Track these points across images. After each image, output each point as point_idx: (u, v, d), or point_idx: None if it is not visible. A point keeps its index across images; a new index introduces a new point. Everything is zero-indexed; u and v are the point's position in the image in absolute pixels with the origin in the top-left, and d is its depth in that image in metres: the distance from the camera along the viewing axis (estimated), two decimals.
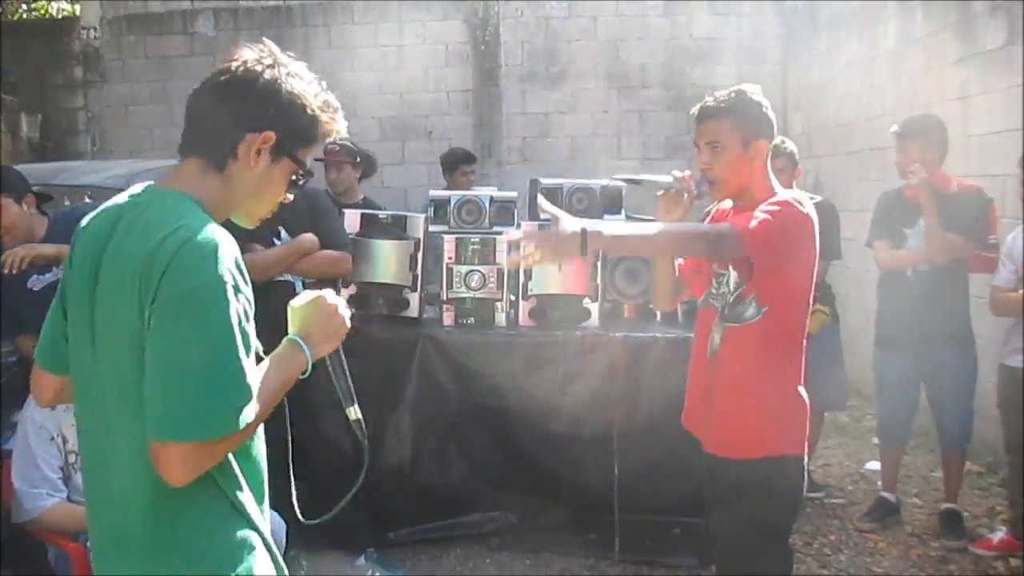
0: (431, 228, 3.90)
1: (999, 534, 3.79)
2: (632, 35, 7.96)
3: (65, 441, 2.84)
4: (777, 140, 4.63)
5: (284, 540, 2.72)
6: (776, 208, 2.15)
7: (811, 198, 4.44)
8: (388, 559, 3.57)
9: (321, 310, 1.56)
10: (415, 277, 3.84)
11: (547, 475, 3.76)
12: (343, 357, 1.65)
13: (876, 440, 5.33)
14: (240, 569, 1.41)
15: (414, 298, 3.86)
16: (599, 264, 3.81)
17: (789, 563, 2.36)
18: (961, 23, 5.03)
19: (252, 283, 1.42)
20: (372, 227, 3.86)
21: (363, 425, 1.73)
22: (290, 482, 3.83)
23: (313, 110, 1.51)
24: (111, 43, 8.38)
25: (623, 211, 3.94)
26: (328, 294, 1.58)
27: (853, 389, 5.72)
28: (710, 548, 3.58)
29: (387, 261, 3.79)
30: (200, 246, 1.33)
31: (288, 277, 3.34)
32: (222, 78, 1.48)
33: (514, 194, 3.99)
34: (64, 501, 2.82)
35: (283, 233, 3.33)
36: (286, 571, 1.56)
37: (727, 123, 2.22)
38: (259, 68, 1.48)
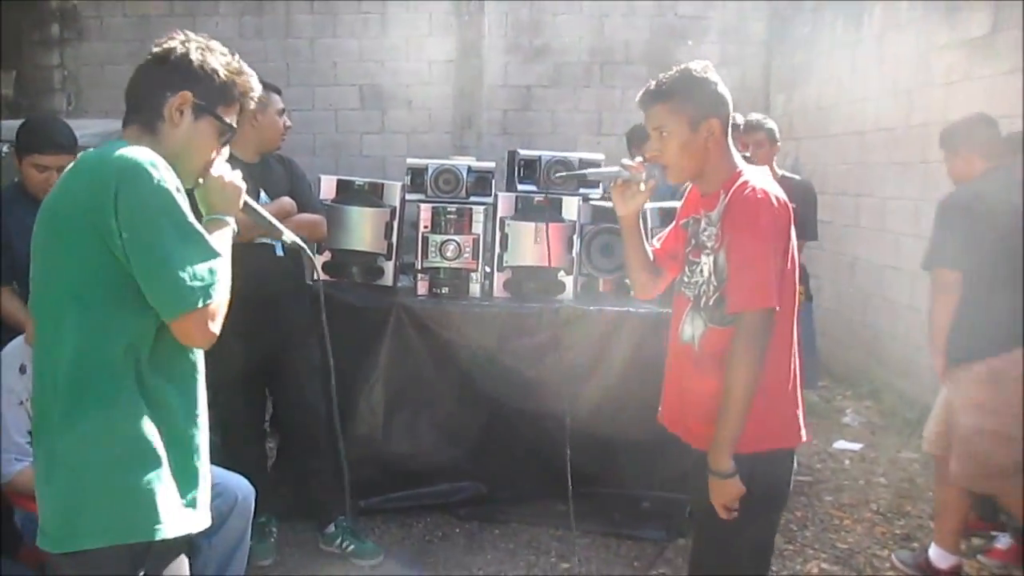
0: (408, 197, 3.87)
1: None
2: (617, 11, 7.91)
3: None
4: (759, 116, 4.65)
5: (252, 506, 2.70)
6: (756, 225, 2.01)
7: (790, 177, 4.50)
8: (359, 528, 3.56)
9: (213, 185, 1.83)
10: (390, 245, 3.81)
11: (518, 446, 3.77)
12: (254, 204, 1.98)
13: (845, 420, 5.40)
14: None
15: (389, 267, 3.84)
16: (576, 237, 3.80)
17: (766, 561, 2.29)
18: (947, 9, 5.03)
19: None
20: (348, 194, 3.83)
21: (300, 245, 2.10)
22: (263, 448, 3.83)
23: (226, 73, 1.79)
24: (89, 1, 8.22)
25: (601, 185, 3.93)
26: (215, 168, 1.83)
27: (824, 370, 5.79)
28: (677, 522, 3.65)
29: (362, 229, 3.75)
30: (138, 163, 1.59)
31: (267, 240, 3.31)
32: (147, 59, 1.79)
33: (492, 164, 3.95)
34: (32, 465, 2.78)
35: (263, 195, 3.31)
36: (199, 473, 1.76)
37: (669, 107, 2.09)
38: (174, 45, 1.78)
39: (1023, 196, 3.13)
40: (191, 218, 1.63)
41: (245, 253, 3.20)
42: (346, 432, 3.75)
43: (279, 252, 3.36)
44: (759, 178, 2.10)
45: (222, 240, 1.77)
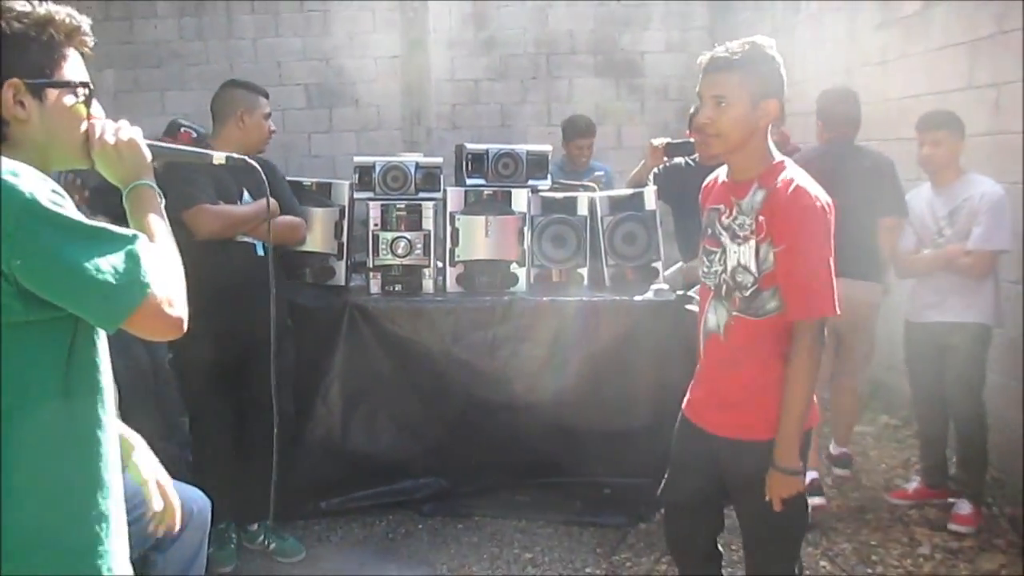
0: (356, 195, 3.85)
1: (913, 484, 3.94)
2: (560, 1, 7.93)
3: None
4: None
5: (208, 518, 2.68)
6: (817, 233, 2.06)
7: None
8: (284, 528, 3.55)
9: (108, 154, 1.57)
10: (341, 245, 3.80)
11: (477, 440, 3.78)
12: (160, 144, 1.75)
13: None
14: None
15: (341, 266, 3.83)
16: (526, 229, 3.81)
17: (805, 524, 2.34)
18: None
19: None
20: (296, 195, 3.79)
21: (237, 158, 1.93)
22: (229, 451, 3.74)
23: (35, 28, 1.45)
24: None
25: (549, 176, 3.95)
26: (99, 133, 1.56)
27: None
28: (638, 507, 3.69)
29: (312, 229, 3.72)
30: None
31: (248, 239, 3.28)
32: None
33: (439, 160, 3.95)
34: None
35: (246, 195, 3.28)
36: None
37: (736, 78, 2.06)
38: None
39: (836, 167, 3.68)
40: (79, 216, 1.38)
41: (225, 251, 3.21)
42: (304, 433, 3.74)
43: (259, 252, 3.33)
44: (805, 178, 2.11)
45: (148, 213, 1.57)
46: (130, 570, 1.55)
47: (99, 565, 1.46)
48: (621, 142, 7.72)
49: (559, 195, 3.98)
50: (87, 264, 1.34)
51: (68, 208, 1.37)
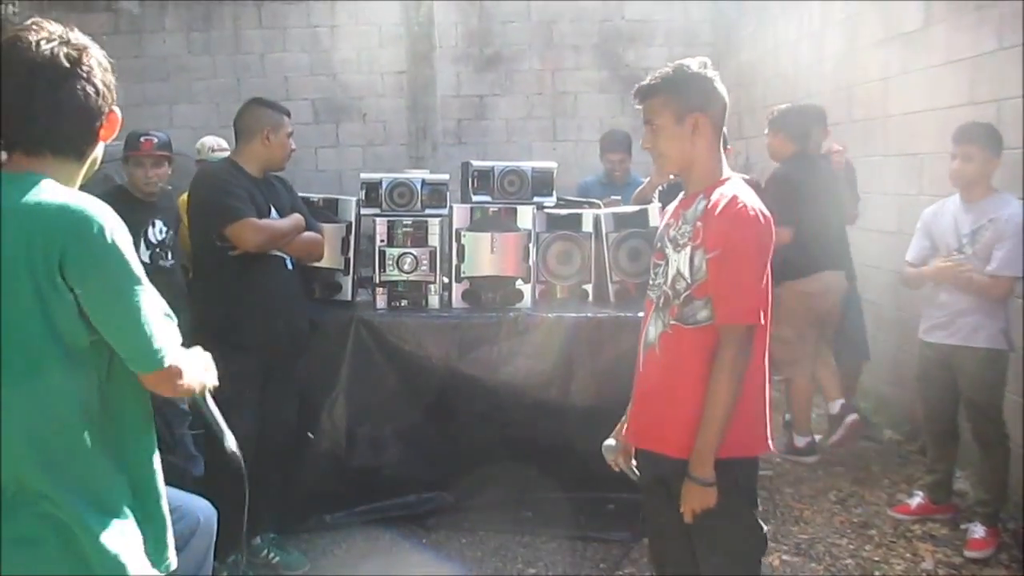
0: (363, 211, 3.89)
1: (917, 499, 3.94)
2: (565, 17, 7.99)
3: None
4: None
5: (215, 527, 2.70)
6: (748, 243, 2.08)
7: (744, 177, 4.61)
8: (288, 543, 3.55)
9: (202, 357, 1.85)
10: (347, 260, 3.84)
11: (482, 455, 3.79)
12: (209, 402, 1.96)
13: None
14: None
15: (347, 281, 3.87)
16: (531, 246, 3.84)
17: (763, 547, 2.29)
18: (882, 5, 5.17)
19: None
20: None
21: (239, 457, 2.10)
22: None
23: (109, 67, 1.68)
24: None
25: (554, 193, 3.98)
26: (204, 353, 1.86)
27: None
28: (642, 523, 3.70)
29: None
30: (90, 219, 1.51)
31: (279, 253, 3.34)
32: (51, 71, 1.55)
33: (446, 176, 3.99)
34: None
35: (273, 212, 3.34)
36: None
37: (658, 101, 2.16)
38: (77, 53, 1.59)
39: (819, 176, 4.45)
40: (136, 259, 1.59)
41: (259, 264, 3.25)
42: (309, 447, 3.76)
43: (289, 266, 3.38)
44: (745, 191, 2.15)
45: None
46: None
47: (161, 504, 1.79)
48: None
49: (564, 212, 4.01)
50: (142, 316, 1.57)
51: (131, 249, 1.57)
